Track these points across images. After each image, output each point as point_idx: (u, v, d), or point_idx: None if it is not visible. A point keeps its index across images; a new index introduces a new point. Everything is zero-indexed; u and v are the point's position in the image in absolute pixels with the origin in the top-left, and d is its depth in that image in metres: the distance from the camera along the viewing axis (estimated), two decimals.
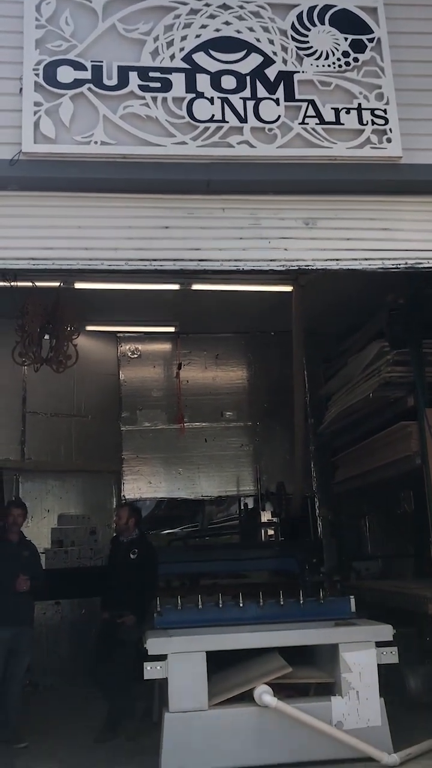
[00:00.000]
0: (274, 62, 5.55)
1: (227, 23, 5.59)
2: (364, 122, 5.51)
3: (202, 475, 10.41)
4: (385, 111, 5.54)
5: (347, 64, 5.64)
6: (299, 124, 5.46)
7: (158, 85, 5.38)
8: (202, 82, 5.42)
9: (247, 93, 5.45)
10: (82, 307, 8.23)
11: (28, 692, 7.04)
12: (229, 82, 5.46)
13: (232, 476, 10.52)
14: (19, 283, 6.85)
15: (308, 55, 5.61)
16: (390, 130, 5.52)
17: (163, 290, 8.39)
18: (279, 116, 5.44)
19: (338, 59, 5.63)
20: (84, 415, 10.01)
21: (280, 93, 5.49)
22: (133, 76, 5.35)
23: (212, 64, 5.48)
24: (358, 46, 5.68)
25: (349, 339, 8.76)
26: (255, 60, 5.54)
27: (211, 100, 5.39)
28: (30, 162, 5.16)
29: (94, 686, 6.35)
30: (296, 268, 5.58)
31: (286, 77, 5.53)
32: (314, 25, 5.68)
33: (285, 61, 5.57)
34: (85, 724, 6.26)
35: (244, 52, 5.55)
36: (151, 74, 5.39)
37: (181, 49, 5.47)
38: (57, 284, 7.53)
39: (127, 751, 5.67)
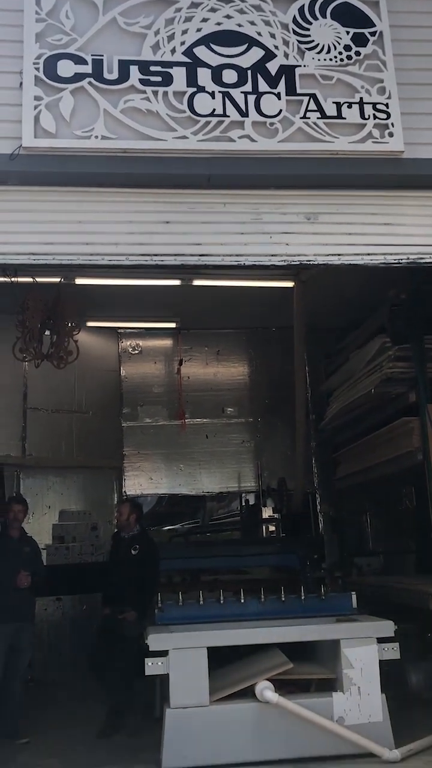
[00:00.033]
0: (276, 56, 5.53)
1: (228, 17, 5.57)
2: (366, 116, 5.49)
3: (203, 471, 10.40)
4: (387, 105, 5.52)
5: (349, 57, 5.61)
6: (301, 118, 5.44)
7: (159, 79, 5.36)
8: (203, 76, 5.40)
9: (248, 87, 5.43)
10: (82, 303, 8.22)
11: (30, 688, 7.03)
12: (230, 76, 5.44)
13: (233, 472, 10.50)
14: (20, 279, 6.84)
15: (310, 49, 5.59)
16: (392, 124, 5.49)
17: (164, 286, 8.37)
18: (280, 110, 5.42)
19: (340, 53, 5.61)
20: (85, 411, 9.99)
21: (281, 87, 5.46)
22: (134, 70, 5.33)
23: (213, 58, 5.45)
24: (360, 40, 5.65)
25: (351, 335, 8.74)
26: (256, 54, 5.52)
27: (212, 95, 5.37)
28: (30, 156, 5.14)
29: (95, 682, 6.35)
30: (298, 263, 5.56)
31: (287, 71, 5.50)
32: (316, 18, 5.66)
33: (286, 55, 5.54)
34: (86, 720, 6.26)
35: (245, 46, 5.52)
36: (152, 68, 5.37)
37: (182, 43, 5.45)
38: (58, 280, 7.52)
39: (128, 746, 5.67)
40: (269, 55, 5.52)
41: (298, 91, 5.48)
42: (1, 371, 8.92)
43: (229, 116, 5.35)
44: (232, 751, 5.01)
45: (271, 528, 9.65)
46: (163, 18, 5.47)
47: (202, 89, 5.37)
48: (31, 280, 7.08)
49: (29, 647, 6.38)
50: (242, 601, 5.88)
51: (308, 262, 5.54)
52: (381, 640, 5.36)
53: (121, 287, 8.15)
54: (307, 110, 5.45)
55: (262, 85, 5.45)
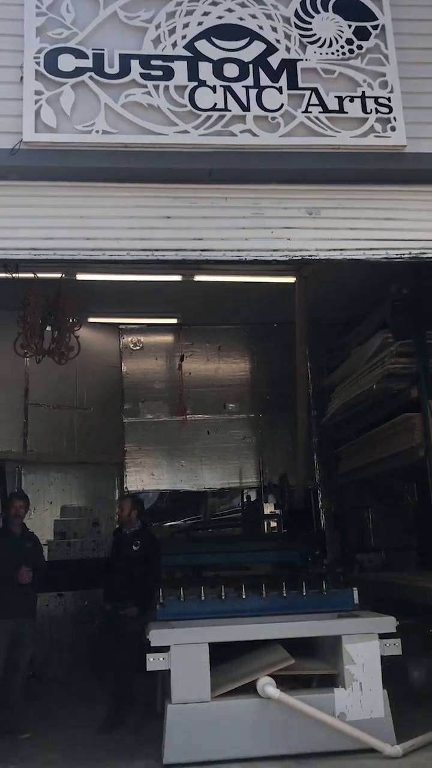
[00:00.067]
0: (277, 50, 5.52)
1: (230, 10, 5.56)
2: (368, 111, 5.47)
3: (204, 467, 10.41)
4: (389, 99, 5.51)
5: (351, 51, 5.59)
6: (302, 112, 5.42)
7: (160, 73, 5.34)
8: (205, 70, 5.39)
9: (249, 81, 5.41)
10: (84, 299, 8.21)
11: (31, 683, 7.03)
12: (231, 70, 5.42)
13: (234, 468, 10.50)
14: (21, 275, 6.82)
15: (311, 43, 5.58)
16: (394, 118, 5.48)
17: (165, 282, 8.35)
18: (282, 105, 5.40)
19: (342, 47, 5.59)
20: (86, 407, 9.99)
21: (283, 81, 5.45)
22: (135, 65, 5.32)
23: (215, 52, 5.44)
24: (362, 34, 5.64)
25: (353, 330, 8.72)
26: (258, 48, 5.50)
27: (214, 89, 5.36)
28: (31, 151, 5.14)
29: (96, 678, 6.35)
30: (299, 257, 5.55)
31: (289, 65, 5.49)
32: (317, 12, 5.64)
33: (288, 49, 5.53)
34: (87, 716, 6.26)
35: (246, 40, 5.51)
36: (153, 62, 5.36)
37: (183, 37, 5.44)
38: (59, 276, 7.50)
39: (129, 742, 5.67)
40: (271, 49, 5.51)
41: (300, 85, 5.46)
42: (3, 367, 8.91)
43: (230, 110, 5.33)
44: (234, 746, 5.01)
45: (273, 524, 9.65)
46: (164, 11, 5.45)
47: (203, 83, 5.36)
48: (32, 275, 7.05)
49: (30, 643, 6.37)
50: (243, 597, 5.87)
51: (310, 257, 5.53)
52: (382, 636, 5.35)
53: (122, 283, 8.13)
54: (308, 104, 5.43)
55: (264, 79, 5.43)
